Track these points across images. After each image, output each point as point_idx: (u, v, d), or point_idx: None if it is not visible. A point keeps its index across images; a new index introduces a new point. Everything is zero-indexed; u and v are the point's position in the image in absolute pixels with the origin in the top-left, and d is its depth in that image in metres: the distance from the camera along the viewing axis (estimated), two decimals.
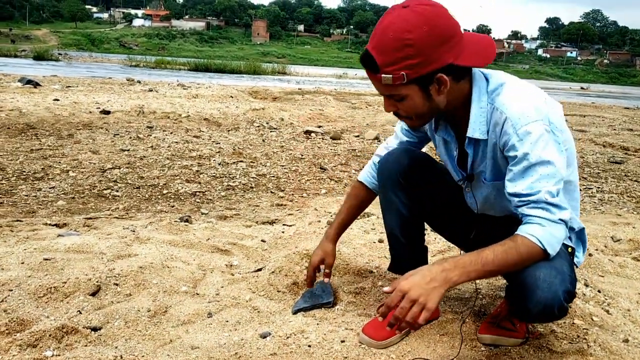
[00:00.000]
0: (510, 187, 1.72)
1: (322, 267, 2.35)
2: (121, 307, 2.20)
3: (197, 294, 2.43)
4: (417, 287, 1.61)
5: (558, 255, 1.73)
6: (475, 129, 1.77)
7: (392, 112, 1.79)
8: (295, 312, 2.30)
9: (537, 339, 2.09)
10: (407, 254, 2.25)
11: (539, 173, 1.65)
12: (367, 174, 2.30)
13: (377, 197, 2.27)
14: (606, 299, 2.54)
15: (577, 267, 1.95)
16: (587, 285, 2.66)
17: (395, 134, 2.25)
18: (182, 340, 2.04)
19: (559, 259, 1.73)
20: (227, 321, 2.22)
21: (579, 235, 1.96)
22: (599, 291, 2.62)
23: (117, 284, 2.37)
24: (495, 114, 1.73)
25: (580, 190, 5.72)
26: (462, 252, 2.21)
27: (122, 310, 2.17)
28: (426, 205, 2.17)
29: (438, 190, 2.15)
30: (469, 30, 1.84)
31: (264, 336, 2.11)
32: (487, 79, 1.78)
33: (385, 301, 1.67)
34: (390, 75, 1.61)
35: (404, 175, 2.10)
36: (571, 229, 1.90)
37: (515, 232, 1.68)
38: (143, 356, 1.87)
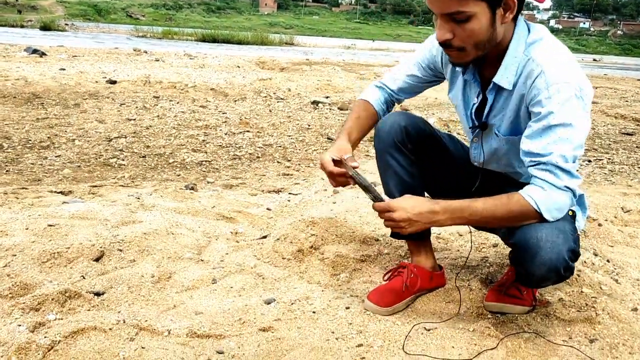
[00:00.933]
0: (525, 144, 1.66)
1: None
2: (125, 272, 2.19)
3: (202, 261, 2.42)
4: (403, 212, 1.71)
5: None
6: (504, 77, 1.71)
7: (441, 42, 1.65)
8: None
9: (544, 307, 2.06)
10: None
11: (558, 135, 1.59)
12: (373, 94, 2.12)
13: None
14: (615, 269, 2.50)
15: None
16: (596, 255, 2.62)
17: (403, 65, 2.10)
18: (186, 305, 2.03)
19: (560, 220, 1.70)
20: (232, 287, 2.20)
21: (579, 200, 1.92)
22: (608, 261, 2.58)
23: (120, 250, 2.36)
24: (530, 65, 1.66)
25: (591, 161, 5.67)
26: None
27: (125, 276, 2.16)
28: (426, 169, 2.11)
29: (437, 154, 2.10)
30: None
31: (268, 302, 2.09)
32: (528, 29, 1.71)
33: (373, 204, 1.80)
34: None
35: (402, 138, 2.02)
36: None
37: (518, 191, 1.66)
38: (146, 321, 1.86)
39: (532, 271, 1.68)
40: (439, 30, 1.61)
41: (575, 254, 1.72)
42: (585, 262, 2.50)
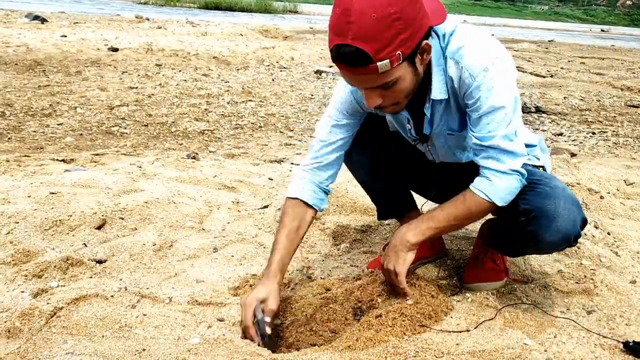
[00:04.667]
0: (470, 135, 1.69)
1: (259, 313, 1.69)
2: (126, 240, 2.20)
3: (203, 229, 2.43)
4: (387, 257, 1.80)
5: (556, 179, 1.76)
6: (437, 90, 1.68)
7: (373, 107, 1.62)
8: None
9: (524, 284, 2.05)
10: (387, 201, 2.22)
11: (493, 119, 1.62)
12: (302, 189, 1.90)
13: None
14: (615, 241, 2.51)
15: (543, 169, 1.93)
16: (597, 227, 2.63)
17: (320, 139, 1.90)
18: (187, 273, 2.05)
19: (561, 183, 1.73)
20: (233, 256, 2.22)
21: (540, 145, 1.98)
22: (608, 233, 2.58)
23: (122, 218, 2.37)
24: (452, 66, 1.63)
25: (595, 133, 5.63)
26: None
27: (127, 244, 2.17)
28: (388, 159, 2.07)
29: (396, 145, 2.04)
30: None
31: None
32: (436, 33, 1.65)
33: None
34: (387, 60, 1.41)
35: (361, 136, 1.96)
36: (531, 146, 1.91)
37: (469, 187, 1.70)
38: (148, 288, 1.88)
39: (546, 238, 1.68)
40: (368, 99, 1.57)
41: (584, 224, 1.74)
42: (585, 234, 2.51)
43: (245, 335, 1.69)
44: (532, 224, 1.70)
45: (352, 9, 1.36)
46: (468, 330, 1.72)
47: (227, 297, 1.91)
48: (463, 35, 1.65)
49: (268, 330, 1.66)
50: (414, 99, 1.65)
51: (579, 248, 2.32)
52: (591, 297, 1.97)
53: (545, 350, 1.63)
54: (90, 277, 1.92)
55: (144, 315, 1.71)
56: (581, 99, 7.51)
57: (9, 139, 4.25)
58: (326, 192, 1.96)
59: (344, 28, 1.38)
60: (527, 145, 1.85)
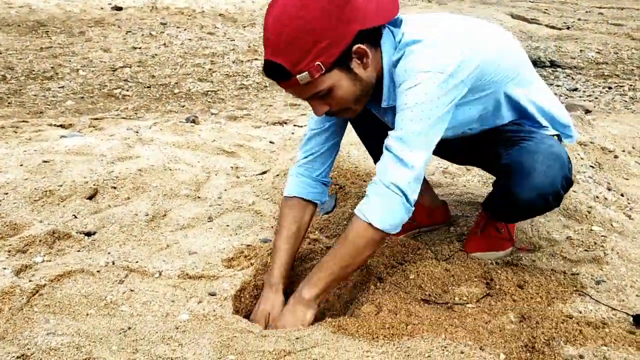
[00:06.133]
0: None
1: None
2: (118, 211, 2.13)
3: (199, 198, 2.35)
4: (282, 318, 1.62)
5: (553, 139, 1.64)
6: (386, 99, 1.59)
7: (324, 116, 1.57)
8: None
9: (531, 252, 1.96)
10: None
11: (403, 117, 1.47)
12: (297, 186, 1.84)
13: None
14: (629, 203, 2.39)
15: (571, 143, 1.85)
16: (609, 189, 2.51)
17: (311, 128, 1.84)
18: (180, 245, 1.98)
19: (556, 143, 1.61)
20: (228, 225, 2.14)
21: (564, 130, 1.81)
22: (622, 195, 2.47)
23: (115, 187, 2.30)
24: (397, 72, 1.52)
25: (611, 88, 5.42)
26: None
27: (118, 215, 2.10)
28: None
29: None
30: None
31: (265, 241, 2.04)
32: (393, 35, 1.54)
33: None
34: (306, 72, 1.40)
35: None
36: (552, 119, 1.75)
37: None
38: (137, 262, 1.81)
39: (520, 196, 1.58)
40: (314, 108, 1.54)
41: (568, 183, 1.63)
42: (597, 197, 2.40)
43: None
44: (508, 180, 1.61)
45: (268, 25, 1.41)
46: (467, 304, 1.64)
47: (220, 270, 1.84)
48: (415, 35, 1.51)
49: None
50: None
51: (589, 212, 2.21)
52: (601, 265, 1.87)
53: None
54: (78, 251, 1.85)
55: (132, 291, 1.65)
56: (598, 52, 7.24)
57: (9, 103, 4.19)
58: (325, 184, 1.88)
59: (265, 44, 1.43)
60: (562, 125, 1.76)
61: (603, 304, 1.65)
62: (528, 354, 1.42)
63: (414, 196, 1.51)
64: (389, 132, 1.51)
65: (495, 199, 1.77)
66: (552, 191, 1.58)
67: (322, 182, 1.85)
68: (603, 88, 5.43)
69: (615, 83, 5.66)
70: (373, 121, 1.93)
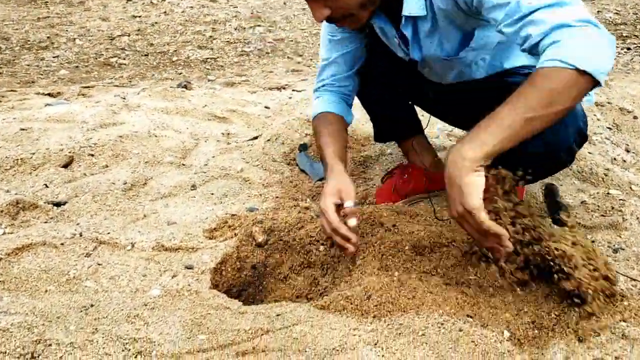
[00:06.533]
0: (498, 29, 1.30)
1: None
2: (93, 180, 1.98)
3: (184, 165, 2.19)
4: (449, 198, 1.23)
5: None
6: (412, 5, 1.38)
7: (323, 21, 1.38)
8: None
9: (542, 218, 1.77)
10: (389, 119, 1.96)
11: None
12: (325, 103, 1.71)
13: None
14: None
15: (589, 104, 1.62)
16: (628, 151, 2.31)
17: (325, 63, 1.72)
18: (159, 215, 1.83)
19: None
20: (213, 194, 1.99)
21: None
22: None
23: (92, 155, 2.14)
24: None
25: (630, 48, 5.17)
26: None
27: (93, 184, 1.95)
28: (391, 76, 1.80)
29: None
30: None
31: (251, 210, 1.88)
32: None
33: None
34: None
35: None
36: None
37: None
38: (108, 233, 1.66)
39: (525, 149, 1.29)
40: (314, 13, 1.35)
41: (582, 137, 1.44)
42: (615, 159, 2.21)
43: (335, 243, 1.45)
44: None
45: None
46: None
47: (201, 241, 1.69)
48: None
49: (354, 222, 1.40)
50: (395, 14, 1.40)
51: (606, 175, 2.02)
52: (619, 232, 1.70)
53: None
54: (45, 222, 1.71)
55: (99, 265, 1.51)
56: (616, 13, 6.92)
57: (0, 73, 4.04)
58: (349, 105, 1.75)
59: None
60: None
61: (621, 274, 1.47)
62: (536, 331, 1.26)
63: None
64: (512, 8, 1.21)
65: (500, 158, 1.60)
66: (564, 145, 1.40)
67: (346, 102, 1.73)
68: (622, 49, 5.17)
69: (634, 44, 5.39)
70: (377, 82, 1.76)
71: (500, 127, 1.16)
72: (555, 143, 1.39)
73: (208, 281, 1.51)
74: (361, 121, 2.46)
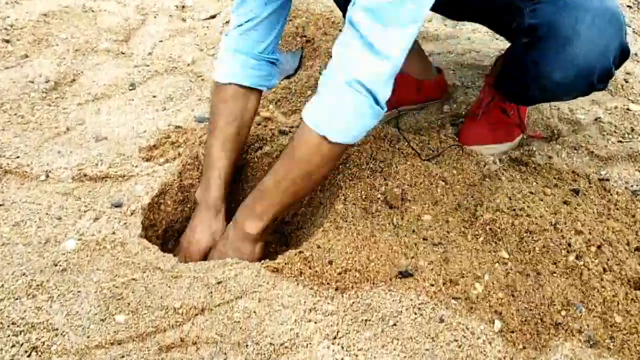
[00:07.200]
0: None
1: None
2: (5, 77, 1.61)
3: (123, 54, 1.81)
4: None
5: None
6: None
7: None
8: None
9: (546, 141, 1.48)
10: None
11: None
12: (232, 68, 1.30)
13: None
14: None
15: None
16: None
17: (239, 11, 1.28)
18: (86, 127, 1.50)
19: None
20: (155, 96, 1.65)
21: None
22: None
23: (8, 41, 1.75)
24: None
25: (631, 7, 4.50)
26: None
27: (5, 83, 1.58)
28: None
29: None
30: None
31: (200, 120, 1.55)
32: None
33: None
34: None
35: None
36: None
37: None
38: (17, 157, 1.35)
39: (548, 72, 1.10)
40: None
41: (624, 54, 1.13)
42: (635, 55, 1.86)
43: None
44: (536, 48, 1.11)
45: None
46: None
47: (135, 164, 1.39)
48: None
49: None
50: None
51: (626, 82, 1.70)
52: (638, 163, 1.41)
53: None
54: None
55: (0, 205, 1.21)
56: None
57: None
58: (272, 62, 1.33)
59: None
60: None
61: None
62: (534, 326, 1.02)
63: (385, 94, 1.02)
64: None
65: (511, 77, 1.27)
66: (600, 67, 1.09)
67: (267, 60, 1.32)
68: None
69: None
70: None
71: (271, 204, 1.15)
72: (591, 66, 1.08)
73: (139, 225, 1.23)
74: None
